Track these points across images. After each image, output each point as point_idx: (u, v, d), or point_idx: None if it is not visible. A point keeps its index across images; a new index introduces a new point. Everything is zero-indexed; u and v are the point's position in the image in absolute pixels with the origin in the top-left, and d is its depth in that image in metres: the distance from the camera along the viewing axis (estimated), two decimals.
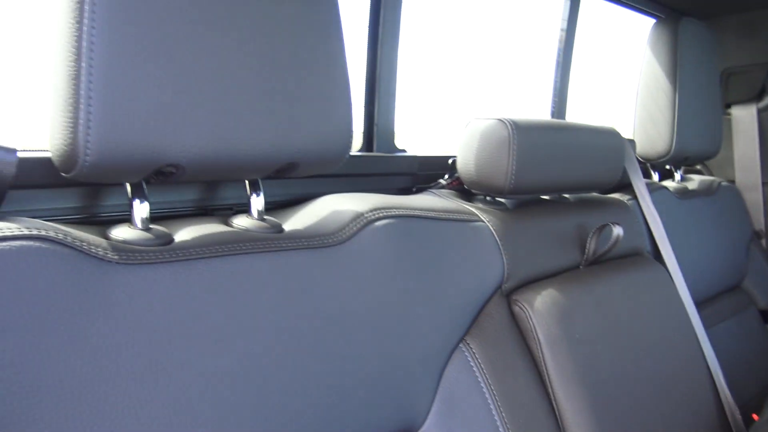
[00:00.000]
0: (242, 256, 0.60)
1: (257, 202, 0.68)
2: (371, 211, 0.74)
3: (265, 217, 0.68)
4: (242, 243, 0.61)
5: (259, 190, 0.68)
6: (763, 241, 1.73)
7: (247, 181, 0.68)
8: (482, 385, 0.78)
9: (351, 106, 0.65)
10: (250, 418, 0.56)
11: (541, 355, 0.86)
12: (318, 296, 0.64)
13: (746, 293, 1.58)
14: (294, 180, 0.84)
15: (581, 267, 1.01)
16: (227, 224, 0.67)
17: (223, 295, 0.57)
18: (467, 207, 0.91)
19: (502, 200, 0.99)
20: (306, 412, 0.60)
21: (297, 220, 0.73)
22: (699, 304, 1.28)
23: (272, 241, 0.63)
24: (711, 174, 1.76)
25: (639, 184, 1.24)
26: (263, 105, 0.58)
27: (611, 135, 1.10)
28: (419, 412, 0.72)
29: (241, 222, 0.67)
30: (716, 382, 1.16)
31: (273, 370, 0.59)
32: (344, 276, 0.67)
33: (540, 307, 0.87)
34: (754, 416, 1.09)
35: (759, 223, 1.73)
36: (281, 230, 0.68)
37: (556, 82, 1.53)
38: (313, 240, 0.67)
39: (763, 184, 1.72)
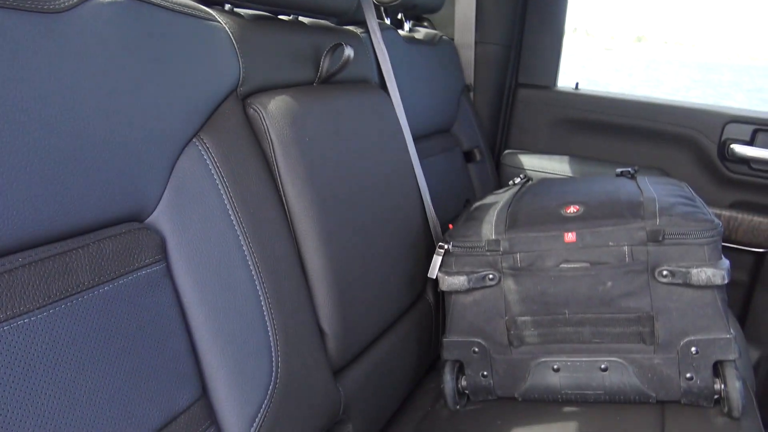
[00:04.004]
0: None
1: None
2: None
3: None
4: None
5: None
6: (471, 94, 1.99)
7: None
8: (215, 177, 0.80)
9: None
10: None
11: (273, 155, 0.91)
12: (33, 67, 0.57)
13: (454, 137, 1.82)
14: None
15: (315, 84, 1.07)
16: None
17: None
18: (204, 7, 0.88)
19: (240, 12, 0.98)
20: (21, 197, 0.56)
21: None
22: (415, 140, 1.45)
23: None
24: (435, 29, 1.93)
25: (372, 21, 1.32)
26: None
27: None
28: (149, 200, 0.72)
29: None
30: (424, 201, 1.36)
31: None
32: (65, 49, 0.61)
33: (274, 111, 0.91)
34: (450, 225, 1.31)
35: (469, 78, 1.98)
36: None
37: None
38: (25, 1, 0.59)
39: (476, 43, 1.95)
